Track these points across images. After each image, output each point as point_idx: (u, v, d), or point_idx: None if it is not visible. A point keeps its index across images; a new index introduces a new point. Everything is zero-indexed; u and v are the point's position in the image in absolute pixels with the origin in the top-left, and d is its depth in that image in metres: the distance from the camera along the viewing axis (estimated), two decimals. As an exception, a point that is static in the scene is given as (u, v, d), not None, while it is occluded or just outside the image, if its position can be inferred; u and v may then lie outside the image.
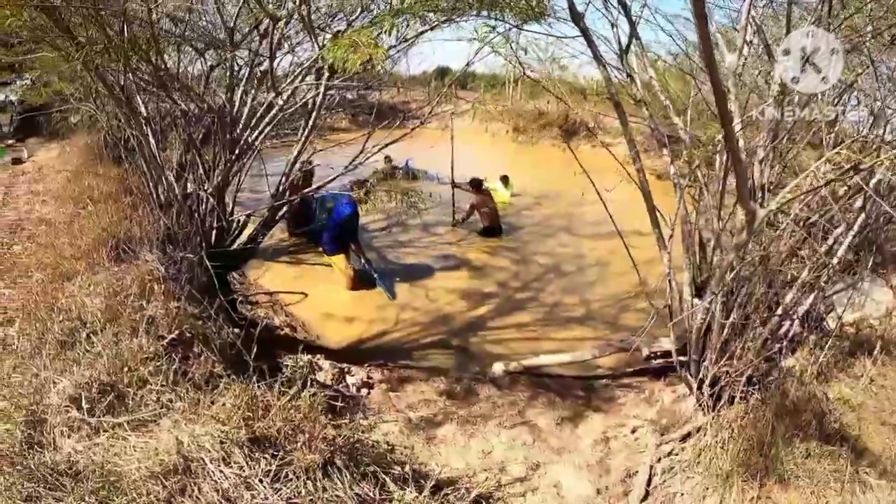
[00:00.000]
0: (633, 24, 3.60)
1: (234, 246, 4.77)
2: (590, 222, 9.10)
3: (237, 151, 4.37)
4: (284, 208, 5.06)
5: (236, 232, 4.77)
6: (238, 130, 4.38)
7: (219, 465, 2.41)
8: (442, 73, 21.37)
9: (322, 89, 4.07)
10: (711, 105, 4.19)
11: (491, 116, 19.30)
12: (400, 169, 11.98)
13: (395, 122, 5.62)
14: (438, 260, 8.13)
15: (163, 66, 4.08)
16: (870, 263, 4.81)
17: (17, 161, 10.73)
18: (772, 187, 3.69)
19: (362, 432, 3.92)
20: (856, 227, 3.42)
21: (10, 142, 12.51)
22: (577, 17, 3.32)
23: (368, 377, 4.85)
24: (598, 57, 3.45)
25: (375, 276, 6.96)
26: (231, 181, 4.47)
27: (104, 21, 3.33)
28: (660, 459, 3.55)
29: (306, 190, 6.23)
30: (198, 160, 4.33)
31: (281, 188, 4.73)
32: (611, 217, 3.75)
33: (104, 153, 8.68)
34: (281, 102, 4.33)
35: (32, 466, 2.48)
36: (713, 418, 3.37)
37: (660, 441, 3.69)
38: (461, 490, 2.82)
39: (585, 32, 3.38)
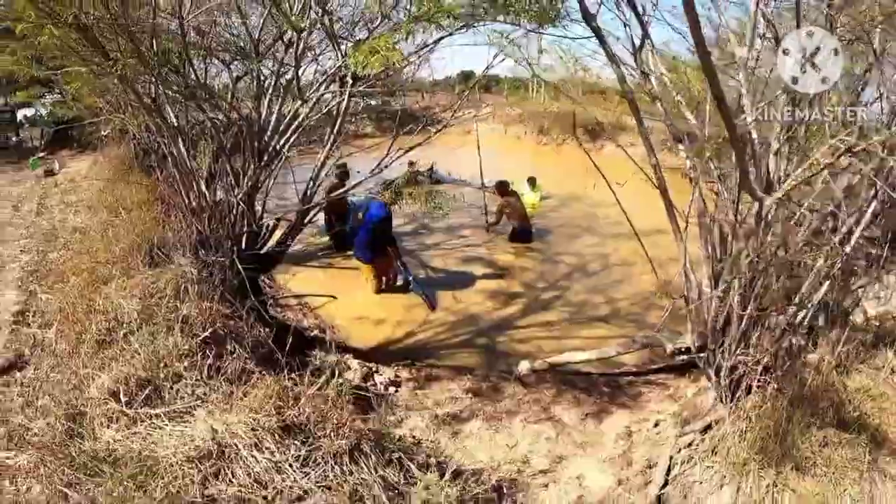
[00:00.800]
0: (643, 23, 3.69)
1: (265, 249, 4.93)
2: (613, 222, 9.15)
3: (265, 159, 4.55)
4: (314, 211, 5.21)
5: (266, 236, 4.94)
6: (266, 138, 4.56)
7: (251, 451, 2.56)
8: (466, 77, 21.58)
9: (346, 96, 4.22)
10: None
11: (515, 119, 19.33)
12: (424, 174, 12.10)
13: (417, 127, 5.73)
14: (465, 262, 8.29)
15: (192, 77, 4.29)
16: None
17: (49, 173, 11.24)
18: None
19: (389, 427, 4.06)
20: (868, 216, 3.43)
21: (41, 154, 13.09)
22: (588, 18, 3.43)
23: (396, 376, 4.99)
24: (610, 55, 3.54)
25: (412, 282, 7.04)
26: (260, 187, 4.64)
27: (133, 35, 3.53)
28: (680, 450, 3.60)
29: (336, 193, 6.39)
30: (227, 168, 4.52)
31: (309, 192, 4.89)
32: (623, 212, 3.83)
33: (135, 163, 9.04)
34: (306, 110, 4.50)
35: (73, 455, 2.65)
36: (732, 408, 3.43)
37: (680, 433, 3.75)
38: (482, 476, 2.93)
39: (598, 32, 3.48)
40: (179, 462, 2.49)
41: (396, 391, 4.78)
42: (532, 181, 11.14)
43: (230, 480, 2.46)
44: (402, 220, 9.51)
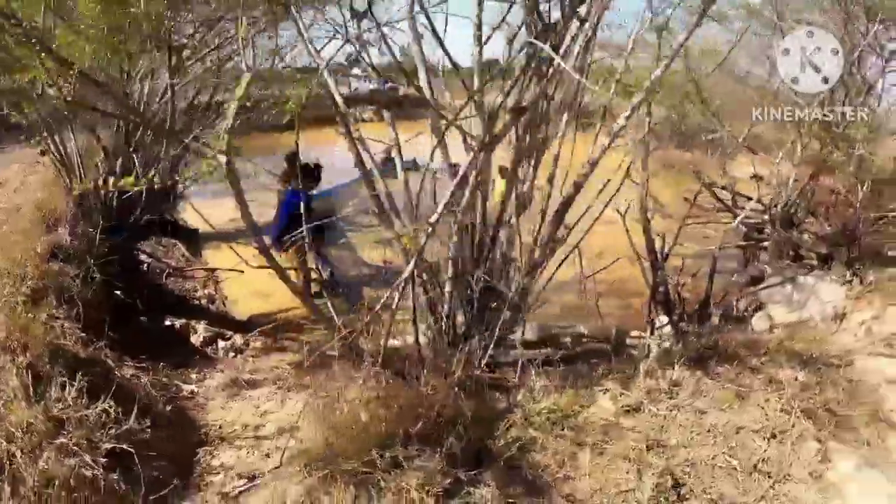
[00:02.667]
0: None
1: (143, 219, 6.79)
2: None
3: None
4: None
5: (141, 209, 6.75)
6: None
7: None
8: (489, 65, 22.09)
9: (180, 82, 5.82)
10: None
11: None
12: (400, 162, 13.14)
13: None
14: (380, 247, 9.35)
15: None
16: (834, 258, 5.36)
17: (44, 153, 13.77)
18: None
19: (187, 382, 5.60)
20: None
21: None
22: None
23: (245, 344, 6.30)
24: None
25: (331, 275, 8.20)
26: (134, 166, 6.40)
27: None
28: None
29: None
30: (101, 148, 6.39)
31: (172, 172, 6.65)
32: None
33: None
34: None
35: None
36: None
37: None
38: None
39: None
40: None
41: (235, 356, 6.14)
42: (503, 171, 11.31)
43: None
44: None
